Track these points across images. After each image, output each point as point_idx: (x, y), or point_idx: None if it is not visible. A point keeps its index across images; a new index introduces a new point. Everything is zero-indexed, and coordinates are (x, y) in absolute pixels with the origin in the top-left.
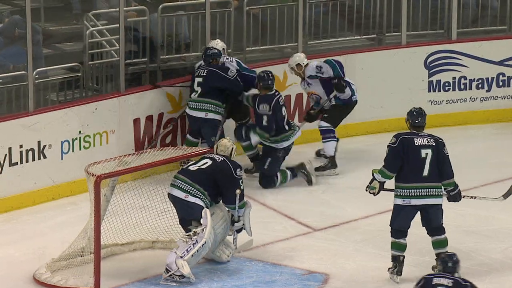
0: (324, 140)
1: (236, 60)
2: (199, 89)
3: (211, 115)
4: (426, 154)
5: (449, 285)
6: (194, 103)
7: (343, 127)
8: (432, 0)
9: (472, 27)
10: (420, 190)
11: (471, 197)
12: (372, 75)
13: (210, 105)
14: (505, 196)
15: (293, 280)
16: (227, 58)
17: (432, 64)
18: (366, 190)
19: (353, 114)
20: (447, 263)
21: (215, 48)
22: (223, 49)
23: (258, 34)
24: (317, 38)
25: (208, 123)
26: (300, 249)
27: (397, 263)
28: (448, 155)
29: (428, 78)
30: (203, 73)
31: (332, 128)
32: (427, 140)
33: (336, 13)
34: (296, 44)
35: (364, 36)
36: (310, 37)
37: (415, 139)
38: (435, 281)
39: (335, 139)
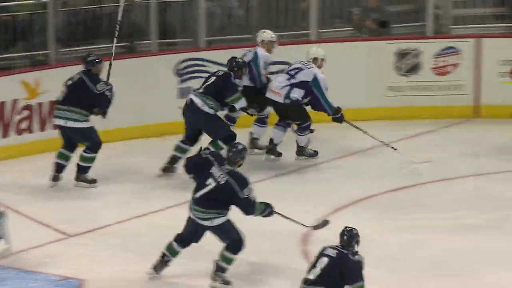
0: None
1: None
2: None
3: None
4: (210, 183)
5: (333, 255)
6: None
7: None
8: (180, 9)
9: (220, 35)
10: (194, 207)
11: (285, 217)
12: (125, 81)
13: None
14: (316, 227)
15: (47, 287)
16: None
17: (182, 72)
18: None
19: (108, 121)
20: (343, 236)
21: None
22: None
23: (7, 41)
24: (70, 46)
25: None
26: (55, 255)
27: (160, 261)
28: (237, 192)
29: (178, 85)
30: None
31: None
32: (220, 173)
33: (87, 20)
34: (50, 51)
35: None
36: (63, 45)
37: (214, 166)
38: (325, 251)
39: None
